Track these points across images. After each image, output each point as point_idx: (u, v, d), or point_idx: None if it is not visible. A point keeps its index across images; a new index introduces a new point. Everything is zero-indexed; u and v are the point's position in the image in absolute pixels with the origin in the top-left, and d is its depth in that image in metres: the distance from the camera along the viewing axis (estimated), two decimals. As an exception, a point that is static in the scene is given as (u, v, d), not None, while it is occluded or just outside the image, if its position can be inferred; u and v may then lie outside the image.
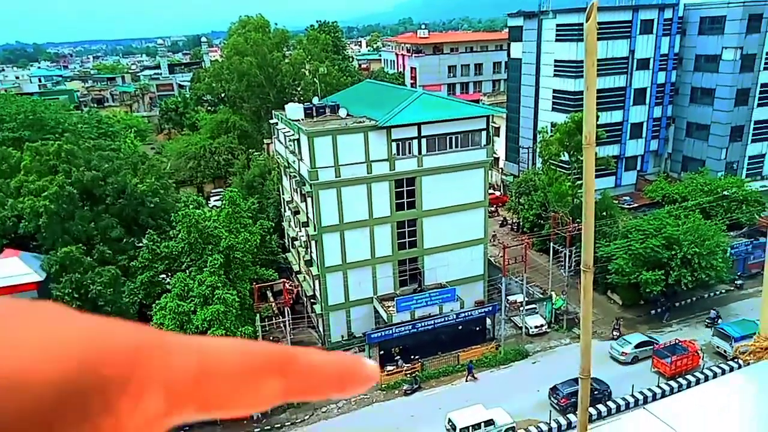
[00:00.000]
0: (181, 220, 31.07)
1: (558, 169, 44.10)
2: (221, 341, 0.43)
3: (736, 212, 40.98)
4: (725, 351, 31.96)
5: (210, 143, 61.55)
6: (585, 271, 2.90)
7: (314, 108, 36.27)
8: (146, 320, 29.40)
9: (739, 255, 39.45)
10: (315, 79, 55.75)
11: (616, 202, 44.42)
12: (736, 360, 28.42)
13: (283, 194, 43.51)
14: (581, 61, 2.58)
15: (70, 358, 0.33)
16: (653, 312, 37.04)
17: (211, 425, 29.01)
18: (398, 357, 33.12)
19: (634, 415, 1.93)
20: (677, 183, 46.82)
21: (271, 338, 31.84)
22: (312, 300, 36.94)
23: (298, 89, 59.76)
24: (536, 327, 35.73)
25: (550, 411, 28.76)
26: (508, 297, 36.18)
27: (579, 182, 36.64)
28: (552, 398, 29.25)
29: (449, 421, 27.39)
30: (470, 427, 26.76)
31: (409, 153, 33.70)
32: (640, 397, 29.29)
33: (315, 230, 33.29)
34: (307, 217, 35.15)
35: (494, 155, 45.88)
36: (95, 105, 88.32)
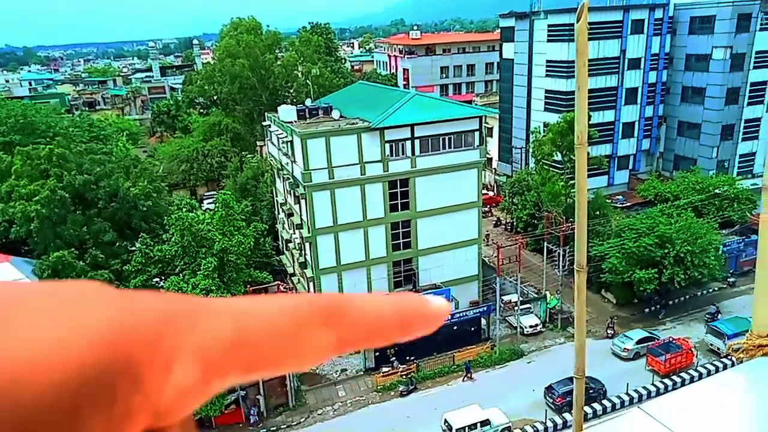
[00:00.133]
0: (174, 223, 30.94)
1: (551, 168, 44.25)
2: (260, 300, 0.41)
3: (727, 210, 41.26)
4: (718, 348, 32.15)
5: (203, 146, 61.35)
6: (578, 270, 2.91)
7: (307, 110, 36.23)
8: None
9: (731, 253, 39.72)
10: (307, 80, 55.69)
11: (609, 201, 44.62)
12: (729, 357, 28.61)
13: (276, 196, 43.42)
14: (573, 61, 2.59)
15: (89, 340, 0.32)
16: (647, 310, 37.21)
17: (206, 429, 28.90)
18: (394, 358, 33.10)
19: (629, 414, 1.93)
20: (669, 182, 47.09)
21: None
22: (307, 302, 36.82)
23: (291, 91, 59.66)
24: (531, 326, 35.81)
25: (546, 410, 28.83)
26: (502, 297, 36.25)
27: (572, 182, 36.77)
28: (547, 397, 29.32)
29: (445, 421, 27.39)
30: (466, 428, 26.77)
31: (403, 154, 33.73)
32: (635, 395, 29.41)
33: (309, 232, 33.24)
34: (301, 219, 35.09)
35: (487, 156, 45.98)
36: (86, 108, 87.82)
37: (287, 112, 36.14)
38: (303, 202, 33.55)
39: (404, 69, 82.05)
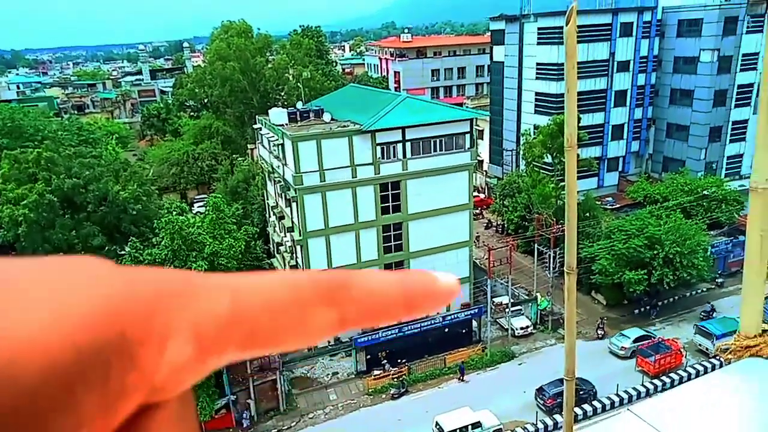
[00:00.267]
0: (164, 227, 30.73)
1: (541, 170, 44.46)
2: (259, 276, 0.40)
3: (716, 211, 41.64)
4: (707, 349, 32.40)
5: (193, 149, 61.06)
6: (568, 273, 2.92)
7: (298, 113, 36.17)
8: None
9: (719, 254, 40.07)
10: (298, 83, 55.61)
11: (599, 203, 44.89)
12: (717, 358, 28.83)
13: (267, 199, 43.28)
14: (562, 64, 2.60)
15: (84, 317, 0.32)
16: (637, 311, 37.43)
17: (197, 434, 28.65)
18: (385, 361, 33.06)
19: (619, 416, 1.93)
20: (658, 183, 47.46)
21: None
22: (298, 305, 36.72)
23: (282, 94, 59.55)
24: (522, 328, 35.91)
25: (537, 412, 28.90)
26: (493, 299, 36.34)
27: (562, 184, 36.98)
28: (538, 399, 29.39)
29: (436, 424, 27.38)
30: (457, 430, 26.75)
31: (394, 157, 33.76)
32: (625, 396, 29.55)
33: (300, 235, 33.16)
34: (292, 222, 35.00)
35: (478, 158, 46.14)
36: (75, 112, 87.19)
37: (278, 115, 36.06)
38: (294, 205, 33.47)
39: (395, 72, 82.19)
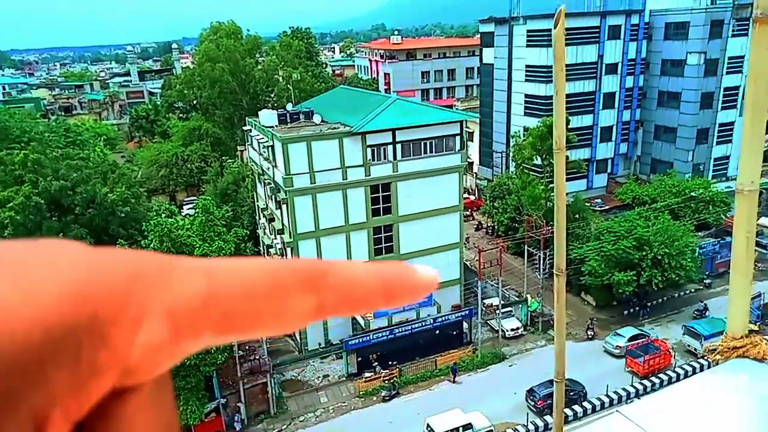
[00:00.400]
0: (152, 229, 30.50)
1: (531, 172, 44.67)
2: (239, 261, 0.40)
3: (703, 213, 42.04)
4: (695, 349, 32.68)
5: (182, 151, 60.72)
6: (558, 275, 2.92)
7: (288, 114, 36.09)
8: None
9: (707, 255, 40.45)
10: (288, 85, 55.49)
11: (588, 204, 45.17)
12: (705, 358, 29.06)
13: (257, 201, 43.12)
14: (551, 66, 2.61)
15: (55, 295, 0.32)
16: (626, 312, 37.68)
17: (186, 438, 28.46)
18: (376, 363, 33.01)
19: (608, 417, 1.94)
20: (647, 185, 47.84)
21: (246, 347, 31.42)
22: (288, 308, 36.60)
23: (272, 96, 59.41)
24: (512, 330, 36.02)
25: (528, 413, 28.99)
26: (484, 300, 36.42)
27: (552, 185, 37.14)
28: (529, 400, 29.49)
29: (428, 426, 27.38)
30: (449, 432, 26.77)
31: (384, 159, 33.76)
32: (615, 397, 29.74)
33: (290, 237, 33.05)
34: (283, 225, 34.88)
35: (468, 160, 46.28)
36: (63, 113, 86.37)
37: (268, 116, 35.95)
38: (284, 207, 33.37)
39: (385, 73, 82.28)
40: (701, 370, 29.74)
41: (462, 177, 36.96)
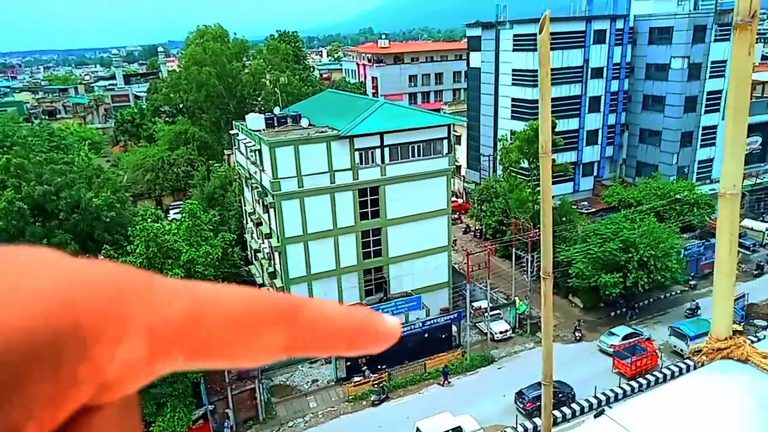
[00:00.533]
0: (138, 234, 30.24)
1: (518, 176, 44.94)
2: (220, 288, 0.40)
3: (688, 215, 42.55)
4: (682, 350, 33.01)
5: (168, 155, 60.26)
6: (544, 278, 2.94)
7: (275, 118, 35.99)
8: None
9: (692, 256, 40.92)
10: (276, 89, 55.37)
11: (575, 207, 45.51)
12: (691, 359, 29.36)
13: (244, 206, 42.91)
14: (538, 70, 2.63)
15: (37, 304, 0.31)
16: (613, 314, 37.98)
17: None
18: (365, 367, 32.94)
19: (594, 420, 1.95)
20: (632, 188, 48.33)
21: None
22: (276, 312, 36.41)
23: (259, 99, 59.23)
24: (501, 332, 36.14)
25: (517, 415, 29.08)
26: (472, 303, 36.50)
27: (539, 189, 37.34)
28: (518, 403, 29.59)
29: (417, 429, 27.34)
30: (438, 435, 26.75)
31: (372, 162, 33.78)
32: (603, 398, 29.94)
33: (278, 241, 32.92)
34: (270, 229, 34.73)
35: (456, 163, 46.42)
36: (46, 117, 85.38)
37: (255, 120, 35.82)
38: (272, 211, 33.23)
39: (373, 77, 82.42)
40: (687, 370, 30.07)
41: (450, 180, 37.08)
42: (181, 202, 46.25)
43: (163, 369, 0.38)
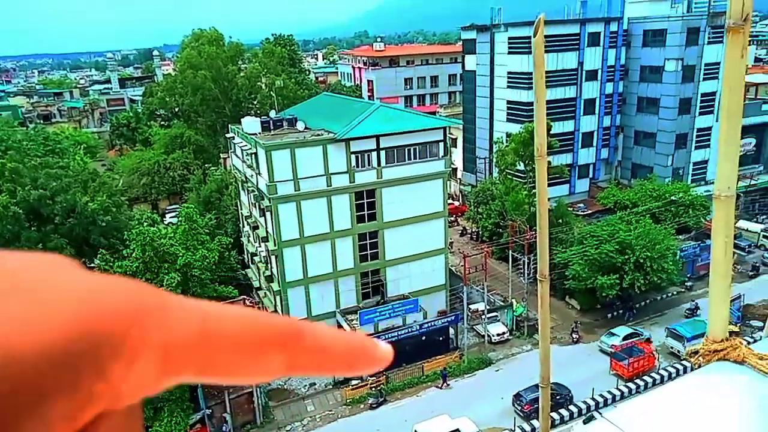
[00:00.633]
0: (134, 238, 30.14)
1: (514, 178, 45.01)
2: (227, 309, 0.42)
3: (683, 216, 42.68)
4: (678, 351, 33.09)
5: (164, 159, 60.15)
6: (541, 280, 2.95)
7: (271, 121, 35.98)
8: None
9: (687, 257, 41.04)
10: (271, 92, 55.36)
11: (571, 209, 45.60)
12: (688, 360, 29.42)
13: (241, 209, 42.84)
14: (533, 73, 2.64)
15: (60, 322, 0.31)
16: (610, 315, 38.04)
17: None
18: (362, 370, 32.84)
19: (592, 423, 1.95)
20: (628, 189, 48.47)
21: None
22: (273, 316, 36.33)
23: (255, 103, 59.19)
24: (498, 335, 36.14)
25: (515, 418, 29.06)
26: (469, 306, 36.50)
27: (535, 191, 37.37)
28: (516, 405, 29.57)
29: (415, 432, 27.30)
30: (436, 438, 26.71)
31: (369, 165, 33.79)
32: (600, 400, 29.96)
33: (275, 245, 32.86)
34: (267, 232, 34.68)
35: (452, 166, 46.49)
36: (41, 121, 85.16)
37: (251, 123, 35.80)
38: (268, 214, 33.19)
39: (368, 80, 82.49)
40: (684, 372, 30.13)
41: (446, 183, 37.11)
42: (178, 206, 46.21)
43: (171, 382, 0.40)
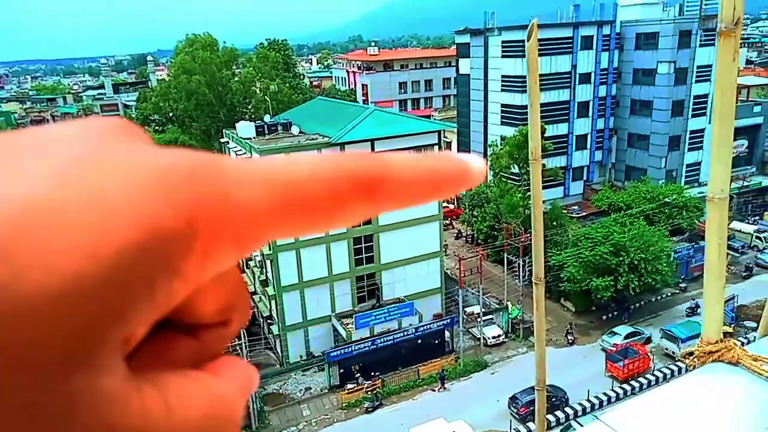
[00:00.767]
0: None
1: (509, 181, 45.13)
2: (294, 160, 0.36)
3: (677, 218, 42.88)
4: (673, 352, 33.19)
5: (158, 164, 59.91)
6: (536, 283, 2.95)
7: (266, 126, 35.98)
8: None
9: (681, 259, 41.22)
10: (266, 97, 55.35)
11: (566, 211, 45.74)
12: (682, 361, 29.52)
13: (236, 214, 42.70)
14: (526, 76, 2.65)
15: (125, 223, 0.27)
16: (605, 317, 38.13)
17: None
18: (358, 374, 32.82)
19: (588, 426, 1.95)
20: (622, 191, 48.67)
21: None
22: (269, 321, 36.26)
23: (249, 107, 59.15)
24: (494, 337, 36.16)
25: (511, 420, 29.07)
26: (465, 309, 36.54)
27: (529, 193, 37.44)
28: (512, 408, 29.58)
29: (412, 436, 27.25)
30: (433, 442, 26.67)
31: (363, 169, 33.77)
32: (596, 401, 30.01)
33: (270, 249, 32.81)
34: (262, 237, 34.59)
35: (447, 169, 46.36)
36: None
37: (246, 128, 35.79)
38: (263, 219, 33.10)
39: (363, 84, 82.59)
40: (679, 373, 30.22)
41: (441, 186, 37.14)
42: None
43: (249, 253, 0.36)
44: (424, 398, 32.09)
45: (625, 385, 31.17)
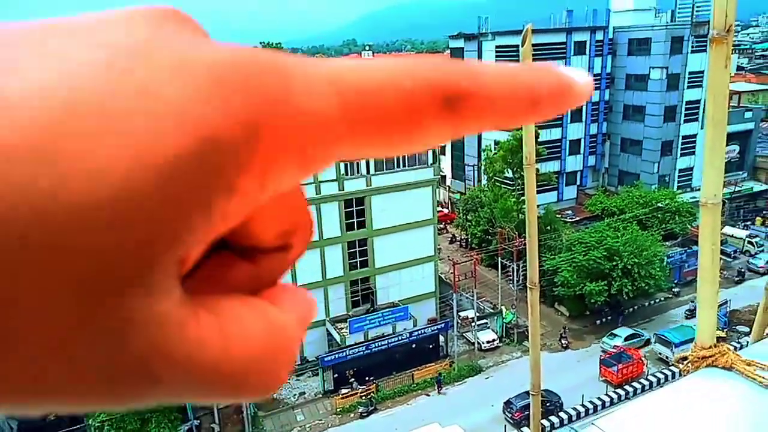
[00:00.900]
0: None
1: (503, 185, 45.25)
2: (361, 67, 0.29)
3: (670, 223, 43.10)
4: (667, 357, 33.30)
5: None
6: (531, 288, 2.96)
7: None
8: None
9: (674, 263, 41.41)
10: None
11: (559, 216, 45.88)
12: (676, 366, 29.62)
13: (230, 218, 42.65)
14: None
15: (183, 125, 0.23)
16: (598, 322, 38.23)
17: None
18: (353, 379, 32.73)
19: (583, 430, 1.95)
20: (615, 196, 48.88)
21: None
22: (263, 325, 36.16)
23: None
24: (488, 342, 36.16)
25: (505, 425, 29.06)
26: (459, 313, 36.54)
27: (523, 198, 37.41)
28: (506, 412, 29.57)
29: (406, 441, 27.18)
30: (427, 447, 26.60)
31: (358, 173, 33.84)
32: (590, 406, 30.06)
33: (264, 254, 32.73)
34: (256, 241, 34.52)
35: (441, 173, 46.67)
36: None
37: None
38: (257, 223, 33.05)
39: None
40: (673, 378, 30.33)
41: (435, 190, 37.24)
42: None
43: (315, 173, 0.31)
44: (419, 403, 32.03)
45: (619, 390, 31.23)
